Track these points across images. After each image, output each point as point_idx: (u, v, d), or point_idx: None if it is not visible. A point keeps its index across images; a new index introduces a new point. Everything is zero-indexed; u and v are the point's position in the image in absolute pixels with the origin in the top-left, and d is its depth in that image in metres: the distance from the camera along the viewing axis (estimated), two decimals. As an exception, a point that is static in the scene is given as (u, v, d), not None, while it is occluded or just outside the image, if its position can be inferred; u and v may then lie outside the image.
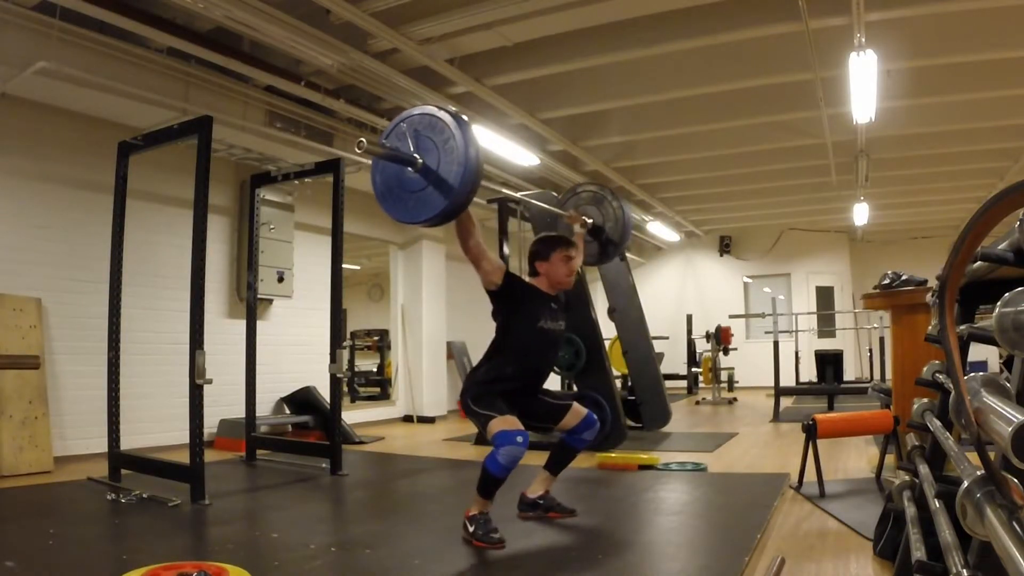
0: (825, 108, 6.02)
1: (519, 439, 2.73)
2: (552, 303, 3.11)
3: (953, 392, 1.07)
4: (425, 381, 8.40)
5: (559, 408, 3.15)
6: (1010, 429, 0.82)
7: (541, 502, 3.23)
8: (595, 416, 3.19)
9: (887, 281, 3.96)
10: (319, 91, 5.38)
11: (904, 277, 3.89)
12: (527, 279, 3.17)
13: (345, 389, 8.26)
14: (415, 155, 2.46)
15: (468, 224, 2.81)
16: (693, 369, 11.43)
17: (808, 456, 3.69)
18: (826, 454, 4.12)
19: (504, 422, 2.78)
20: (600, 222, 3.94)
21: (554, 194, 6.12)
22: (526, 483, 3.30)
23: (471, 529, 2.81)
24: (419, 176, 2.47)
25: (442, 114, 2.50)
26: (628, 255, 8.32)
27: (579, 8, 4.48)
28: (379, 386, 9.55)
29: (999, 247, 1.23)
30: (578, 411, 3.16)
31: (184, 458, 3.65)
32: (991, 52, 5.10)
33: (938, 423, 1.87)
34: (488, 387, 2.94)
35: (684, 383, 11.53)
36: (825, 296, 12.64)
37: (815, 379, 8.86)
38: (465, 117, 2.54)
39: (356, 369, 9.97)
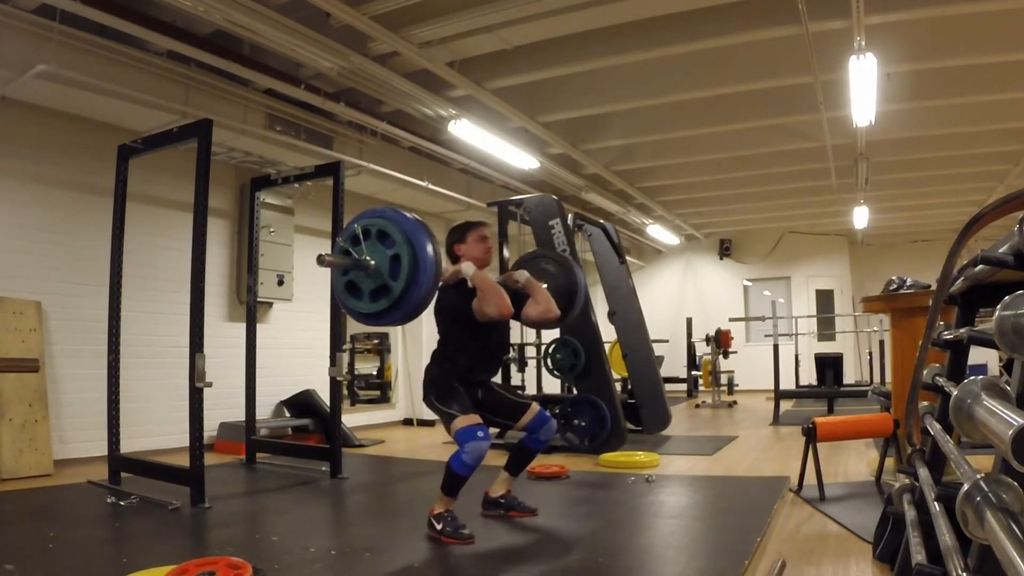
0: (825, 111, 6.02)
1: (480, 434, 2.86)
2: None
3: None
4: (425, 384, 8.35)
5: (519, 407, 3.22)
6: (1011, 432, 0.82)
7: (503, 501, 3.32)
8: (547, 414, 3.25)
9: (894, 287, 3.96)
10: (319, 94, 5.38)
11: (909, 282, 3.89)
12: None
13: (345, 392, 8.25)
14: (369, 260, 2.51)
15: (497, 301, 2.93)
16: (693, 372, 11.42)
17: (808, 459, 3.69)
18: (826, 457, 4.12)
19: (466, 420, 2.90)
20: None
21: (554, 197, 6.12)
22: (489, 482, 3.39)
23: (439, 527, 2.88)
24: (375, 277, 2.53)
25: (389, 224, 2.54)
26: (628, 258, 8.32)
27: (579, 11, 4.49)
28: (379, 389, 9.53)
29: (999, 250, 1.23)
30: (534, 409, 3.24)
31: (184, 461, 3.65)
32: (991, 55, 5.11)
33: (938, 426, 1.87)
34: (448, 382, 3.05)
35: (684, 386, 11.51)
36: (825, 299, 12.64)
37: (815, 382, 8.87)
38: (409, 216, 2.59)
39: (356, 372, 9.95)
